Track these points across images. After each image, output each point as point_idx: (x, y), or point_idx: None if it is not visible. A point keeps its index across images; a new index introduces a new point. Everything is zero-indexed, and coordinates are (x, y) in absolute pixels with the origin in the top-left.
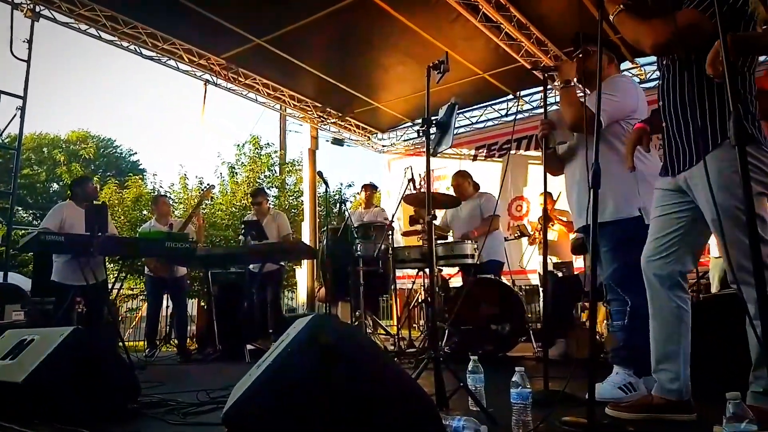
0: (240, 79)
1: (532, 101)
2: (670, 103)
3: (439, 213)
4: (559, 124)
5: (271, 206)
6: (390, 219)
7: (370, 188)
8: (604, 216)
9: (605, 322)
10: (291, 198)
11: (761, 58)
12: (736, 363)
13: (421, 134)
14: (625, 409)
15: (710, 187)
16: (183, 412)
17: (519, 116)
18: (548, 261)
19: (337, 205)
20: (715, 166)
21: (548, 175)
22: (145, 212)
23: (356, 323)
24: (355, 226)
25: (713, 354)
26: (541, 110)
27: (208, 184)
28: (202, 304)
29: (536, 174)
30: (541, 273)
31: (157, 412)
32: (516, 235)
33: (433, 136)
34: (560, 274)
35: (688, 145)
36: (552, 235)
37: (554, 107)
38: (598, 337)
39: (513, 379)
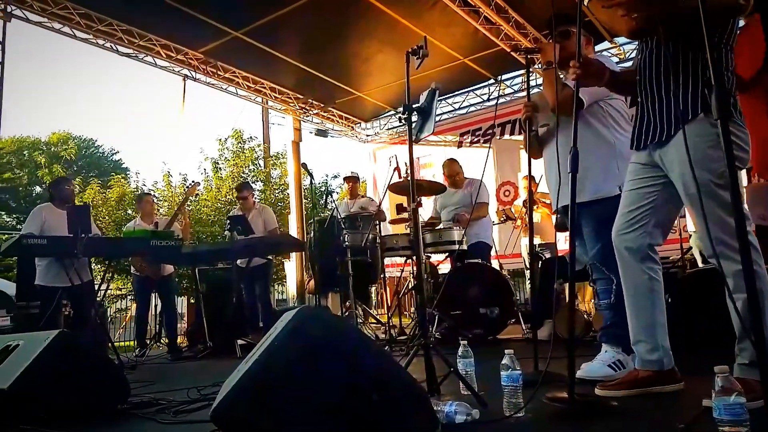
0: (219, 72)
1: (513, 85)
2: (646, 78)
3: (429, 201)
4: (542, 106)
5: (257, 200)
6: (378, 207)
7: (353, 179)
8: (584, 196)
9: (593, 301)
10: (277, 191)
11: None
12: (723, 336)
13: (403, 121)
14: (613, 387)
15: (690, 161)
16: (174, 411)
17: (501, 101)
18: (534, 242)
19: (323, 196)
20: (690, 141)
21: (526, 158)
22: (129, 211)
23: (346, 313)
24: (342, 216)
25: (700, 327)
26: (523, 93)
27: (192, 181)
28: (192, 301)
29: (525, 158)
30: (526, 256)
31: (147, 411)
32: (502, 219)
33: (415, 122)
34: (546, 256)
35: (662, 120)
36: (535, 218)
37: (536, 90)
38: (586, 316)
39: (503, 361)
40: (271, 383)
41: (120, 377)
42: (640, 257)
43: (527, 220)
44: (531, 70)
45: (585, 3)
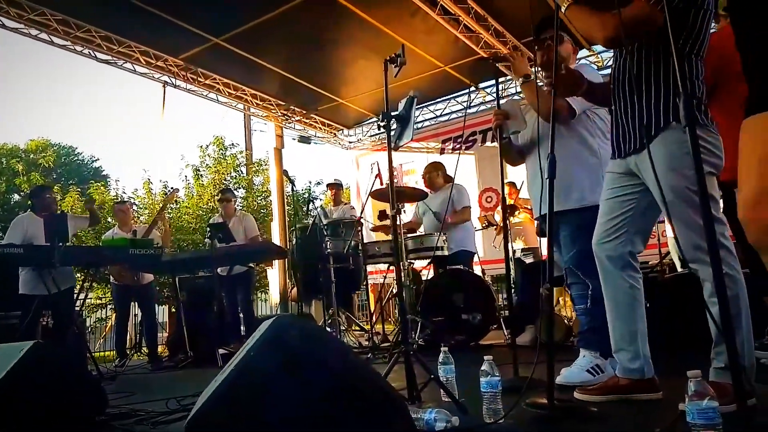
0: (200, 79)
1: (493, 92)
2: (619, 87)
3: (412, 208)
4: (513, 113)
5: (238, 208)
6: (359, 215)
7: (336, 186)
8: (569, 204)
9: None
10: (259, 198)
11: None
12: (702, 339)
13: (381, 128)
14: (592, 392)
15: (654, 169)
16: (152, 422)
17: (481, 108)
18: (516, 247)
19: (306, 203)
20: (664, 149)
21: (508, 165)
22: (110, 220)
23: (329, 321)
24: (324, 223)
25: (679, 331)
26: (502, 101)
27: (171, 188)
28: (173, 310)
29: (507, 165)
30: (510, 261)
31: (125, 423)
32: (484, 225)
33: (395, 130)
34: (528, 261)
35: (636, 129)
36: (518, 222)
37: (515, 97)
38: (566, 321)
39: (482, 368)
40: (246, 393)
41: (97, 388)
42: (621, 265)
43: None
44: (500, 78)
45: (563, 11)
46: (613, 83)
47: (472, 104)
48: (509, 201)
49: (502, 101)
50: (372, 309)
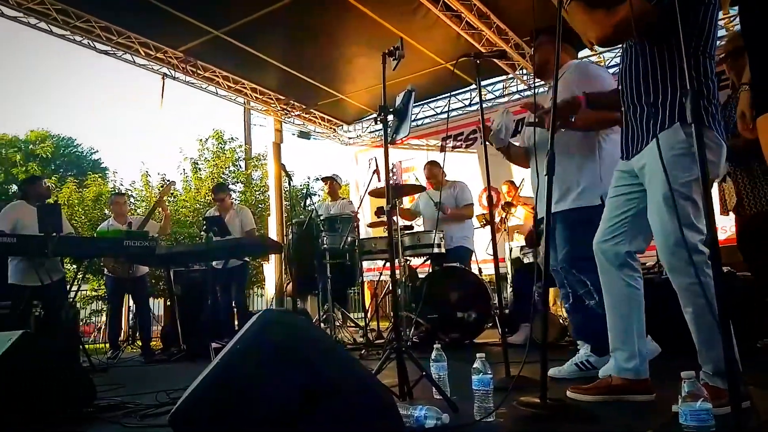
0: (199, 72)
1: (494, 91)
2: (626, 87)
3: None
4: (496, 129)
5: (235, 201)
6: (357, 210)
7: (331, 179)
8: (566, 203)
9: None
10: (258, 193)
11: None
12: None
13: (378, 122)
14: (585, 391)
15: (664, 168)
16: (141, 415)
17: (484, 105)
18: (514, 245)
19: (304, 198)
20: (662, 149)
21: (490, 168)
22: (106, 211)
23: (324, 317)
24: (322, 218)
25: (675, 332)
26: (504, 99)
27: (168, 181)
28: (168, 303)
29: (509, 164)
30: (507, 259)
31: (113, 415)
32: (482, 223)
33: (392, 124)
34: (526, 260)
35: (640, 129)
36: (517, 220)
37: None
38: (561, 320)
39: (474, 365)
40: (231, 387)
41: (85, 379)
42: (618, 264)
43: (506, 224)
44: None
45: (565, 6)
46: (620, 84)
47: (472, 102)
48: (508, 198)
49: (495, 111)
50: (367, 305)
